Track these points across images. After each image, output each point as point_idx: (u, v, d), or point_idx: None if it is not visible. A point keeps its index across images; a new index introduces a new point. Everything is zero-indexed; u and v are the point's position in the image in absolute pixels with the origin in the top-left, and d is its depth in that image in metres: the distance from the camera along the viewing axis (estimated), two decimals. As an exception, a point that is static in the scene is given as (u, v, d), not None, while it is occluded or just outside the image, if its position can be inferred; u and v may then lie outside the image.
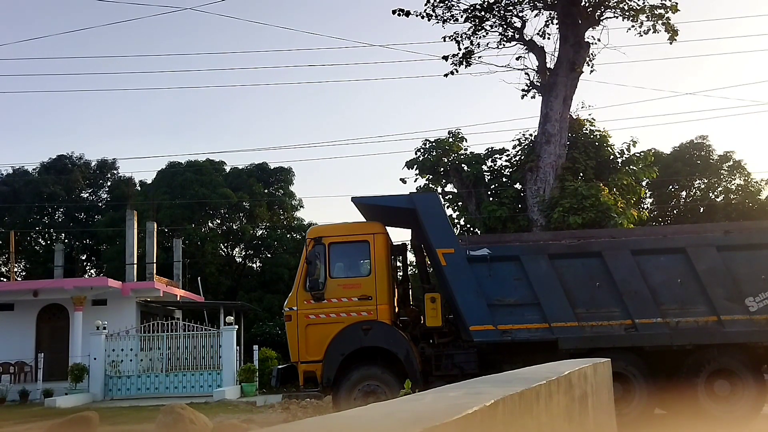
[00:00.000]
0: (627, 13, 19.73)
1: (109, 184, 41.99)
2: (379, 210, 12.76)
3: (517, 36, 20.40)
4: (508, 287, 11.57)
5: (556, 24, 20.19)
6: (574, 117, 20.30)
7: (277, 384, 12.67)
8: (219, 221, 38.64)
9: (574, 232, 13.47)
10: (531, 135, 20.47)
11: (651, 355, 11.37)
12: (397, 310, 12.65)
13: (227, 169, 38.57)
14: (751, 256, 11.40)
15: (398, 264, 13.69)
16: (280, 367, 13.37)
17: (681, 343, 11.31)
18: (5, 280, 36.13)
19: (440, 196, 12.86)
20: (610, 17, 19.92)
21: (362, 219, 13.03)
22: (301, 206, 39.46)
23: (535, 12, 20.66)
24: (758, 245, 11.50)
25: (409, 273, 14.65)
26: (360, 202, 12.59)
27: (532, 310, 11.48)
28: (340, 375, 11.68)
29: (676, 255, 11.54)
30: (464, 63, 20.86)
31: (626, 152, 20.61)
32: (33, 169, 40.30)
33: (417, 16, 20.42)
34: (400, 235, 56.13)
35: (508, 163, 21.39)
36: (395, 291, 12.70)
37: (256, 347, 23.60)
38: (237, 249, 39.02)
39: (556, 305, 11.42)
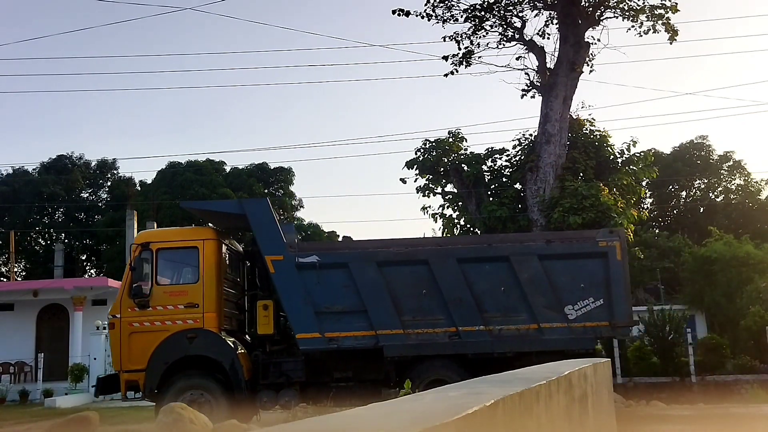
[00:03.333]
0: (627, 13, 19.70)
1: (109, 184, 42.03)
2: (215, 215, 12.57)
3: (517, 36, 20.36)
4: (336, 294, 11.49)
5: (556, 24, 20.16)
6: (574, 117, 20.27)
7: (97, 393, 12.39)
8: (219, 221, 38.64)
9: (403, 239, 12.79)
10: (531, 135, 20.43)
11: (473, 362, 11.32)
12: (234, 318, 12.47)
13: (227, 169, 38.61)
14: (572, 265, 11.53)
15: (246, 270, 13.22)
16: (101, 376, 13.09)
17: (502, 351, 11.37)
18: (5, 280, 36.14)
19: (269, 201, 12.65)
20: (610, 17, 19.90)
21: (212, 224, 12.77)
22: (301, 206, 39.57)
23: (535, 12, 20.64)
24: (578, 254, 11.63)
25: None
26: (191, 208, 12.45)
27: (360, 318, 11.43)
28: (165, 384, 11.39)
29: (500, 263, 11.61)
30: (464, 63, 20.81)
31: (626, 152, 20.56)
32: (33, 169, 40.36)
33: (417, 16, 20.38)
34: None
35: (508, 163, 21.34)
36: (228, 298, 12.36)
37: (256, 347, 23.58)
38: (237, 249, 39.02)
39: (383, 312, 11.40)
